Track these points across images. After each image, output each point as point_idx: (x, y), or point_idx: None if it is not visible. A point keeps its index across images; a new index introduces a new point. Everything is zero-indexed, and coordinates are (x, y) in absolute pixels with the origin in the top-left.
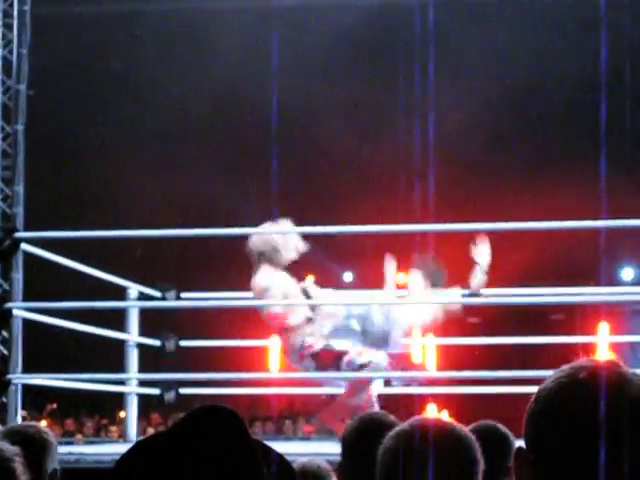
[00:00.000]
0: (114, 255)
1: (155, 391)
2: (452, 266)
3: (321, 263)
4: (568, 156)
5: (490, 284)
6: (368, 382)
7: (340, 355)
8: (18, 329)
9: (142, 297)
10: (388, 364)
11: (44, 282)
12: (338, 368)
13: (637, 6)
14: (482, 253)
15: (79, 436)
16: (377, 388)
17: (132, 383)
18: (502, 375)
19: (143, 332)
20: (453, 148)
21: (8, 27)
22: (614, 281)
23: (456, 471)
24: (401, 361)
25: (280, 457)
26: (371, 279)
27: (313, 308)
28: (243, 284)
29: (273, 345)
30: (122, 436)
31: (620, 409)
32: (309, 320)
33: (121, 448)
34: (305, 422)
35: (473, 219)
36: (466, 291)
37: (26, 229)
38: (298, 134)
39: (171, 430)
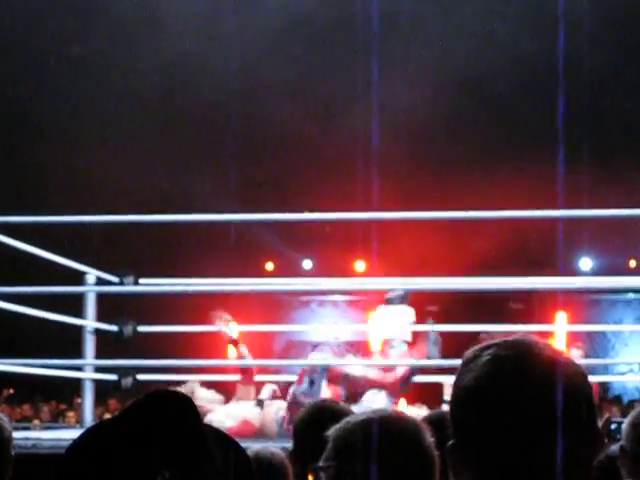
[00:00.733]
0: (72, 240)
1: (112, 377)
2: (410, 252)
3: (280, 250)
4: (526, 144)
5: (449, 272)
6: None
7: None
8: None
9: (100, 282)
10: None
11: (0, 267)
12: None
13: None
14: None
15: (36, 421)
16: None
17: (88, 369)
18: (459, 363)
19: (101, 318)
20: (410, 134)
21: None
22: (572, 271)
23: (413, 472)
24: (359, 349)
25: (235, 444)
26: (331, 266)
27: None
28: (200, 270)
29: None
30: (79, 422)
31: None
32: None
33: (78, 433)
34: None
35: (431, 207)
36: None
37: None
38: (254, 120)
39: (121, 415)
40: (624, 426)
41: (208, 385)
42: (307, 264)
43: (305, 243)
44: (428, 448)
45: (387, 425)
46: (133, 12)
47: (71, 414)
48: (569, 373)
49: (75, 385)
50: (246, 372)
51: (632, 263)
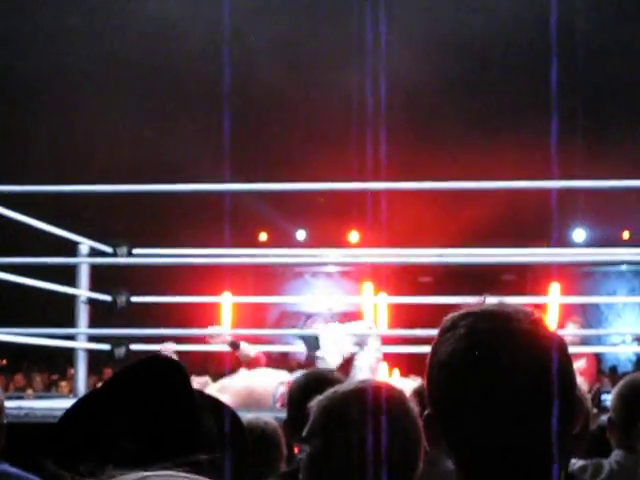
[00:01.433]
0: (65, 210)
1: (105, 347)
2: (404, 223)
3: (274, 221)
4: (519, 114)
5: (443, 243)
6: None
7: None
8: None
9: (93, 252)
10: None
11: None
12: None
13: None
14: None
15: (29, 391)
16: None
17: (82, 338)
18: None
19: (94, 288)
20: (405, 104)
21: None
22: (565, 242)
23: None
24: (353, 320)
25: (232, 412)
26: (324, 236)
27: None
28: (193, 241)
29: (224, 301)
30: (72, 391)
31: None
32: None
33: (70, 403)
34: None
35: (424, 177)
36: None
37: None
38: (248, 88)
39: (112, 380)
40: (611, 397)
41: (200, 355)
42: (301, 234)
43: (299, 213)
44: (415, 417)
45: (375, 394)
46: None
47: (64, 384)
48: (546, 344)
49: (68, 355)
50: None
51: (625, 234)
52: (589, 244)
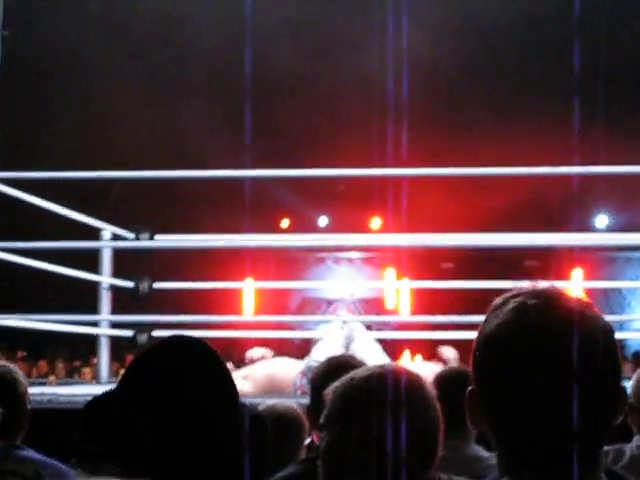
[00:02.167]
0: (88, 196)
1: (128, 333)
2: (426, 209)
3: (296, 207)
4: (541, 99)
5: (464, 229)
6: None
7: None
8: None
9: (116, 238)
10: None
11: (17, 222)
12: None
13: None
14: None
15: (52, 377)
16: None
17: (104, 325)
18: (475, 320)
19: (117, 274)
20: (426, 90)
21: None
22: (588, 228)
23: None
24: (375, 306)
25: (250, 406)
26: (346, 223)
27: None
28: (215, 227)
29: (247, 287)
30: (95, 378)
31: (572, 338)
32: None
33: (93, 389)
34: None
35: (446, 163)
36: None
37: None
38: (269, 74)
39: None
40: (632, 383)
41: (222, 342)
42: (323, 221)
43: (321, 200)
44: (433, 401)
45: (392, 379)
46: None
47: (87, 370)
48: (593, 326)
49: (91, 342)
50: None
51: None
52: (611, 230)
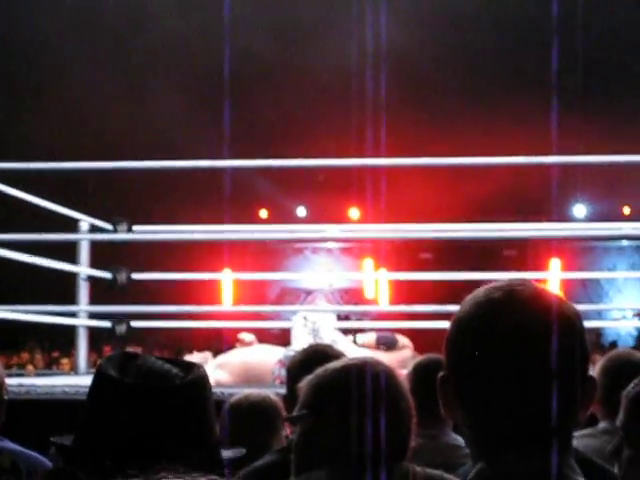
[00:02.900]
0: (66, 187)
1: (106, 324)
2: (405, 199)
3: (274, 198)
4: (520, 89)
5: (443, 219)
6: None
7: None
8: None
9: (93, 229)
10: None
11: None
12: None
13: None
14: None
15: (30, 367)
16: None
17: (82, 316)
18: (453, 309)
19: (95, 265)
20: (406, 80)
21: None
22: (566, 218)
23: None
24: (354, 296)
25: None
26: (325, 213)
27: None
28: (194, 218)
29: (225, 278)
30: (73, 369)
31: (537, 322)
32: None
33: (71, 380)
34: None
35: (424, 153)
36: None
37: None
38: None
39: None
40: (595, 372)
41: (200, 331)
42: (301, 211)
43: (299, 190)
44: (405, 391)
45: (364, 370)
46: None
47: (65, 361)
48: (563, 314)
49: (69, 333)
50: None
51: (626, 210)
52: (589, 220)
